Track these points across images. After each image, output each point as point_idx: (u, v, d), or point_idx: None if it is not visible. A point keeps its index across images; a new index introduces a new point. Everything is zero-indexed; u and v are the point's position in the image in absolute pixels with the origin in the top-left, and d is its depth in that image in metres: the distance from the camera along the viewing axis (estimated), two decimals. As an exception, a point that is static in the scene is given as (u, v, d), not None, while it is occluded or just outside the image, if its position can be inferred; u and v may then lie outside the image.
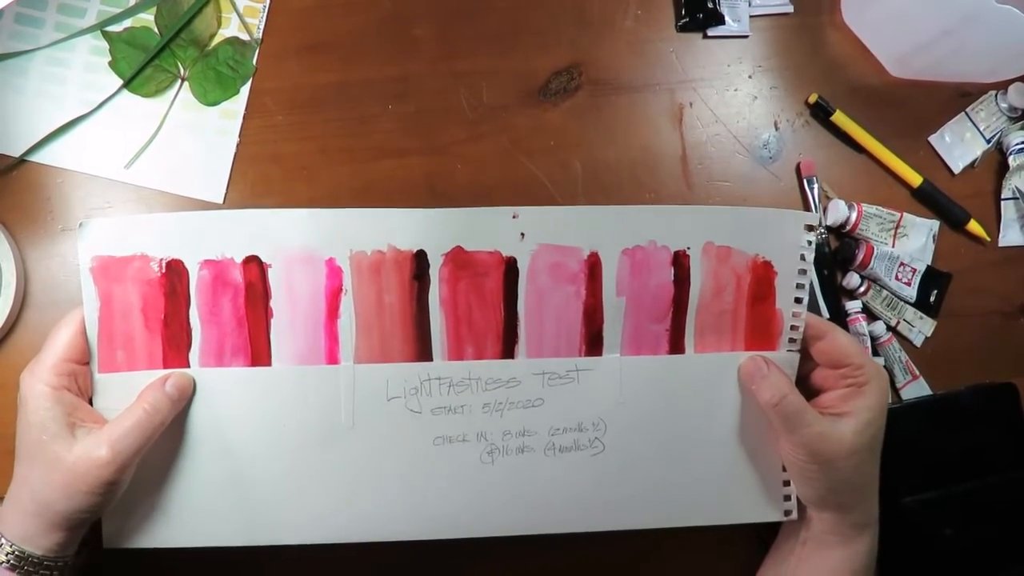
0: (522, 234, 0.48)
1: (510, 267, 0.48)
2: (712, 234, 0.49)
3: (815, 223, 0.50)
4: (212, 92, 0.53)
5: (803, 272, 0.50)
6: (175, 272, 0.46)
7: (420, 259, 0.47)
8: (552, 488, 0.48)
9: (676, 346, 0.49)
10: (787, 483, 0.50)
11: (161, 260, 0.46)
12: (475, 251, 0.48)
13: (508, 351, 0.48)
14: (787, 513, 0.50)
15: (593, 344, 0.49)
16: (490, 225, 0.48)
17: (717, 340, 0.49)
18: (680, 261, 0.49)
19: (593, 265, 0.48)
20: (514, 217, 0.48)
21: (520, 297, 0.48)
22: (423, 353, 0.48)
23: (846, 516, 0.46)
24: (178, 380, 0.45)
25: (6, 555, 0.41)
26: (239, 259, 0.46)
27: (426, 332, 0.48)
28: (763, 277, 0.49)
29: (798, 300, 0.50)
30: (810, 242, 0.49)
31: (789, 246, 0.49)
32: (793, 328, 0.50)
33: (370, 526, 0.48)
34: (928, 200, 0.58)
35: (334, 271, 0.47)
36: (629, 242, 0.48)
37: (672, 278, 0.49)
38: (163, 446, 0.46)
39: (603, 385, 0.49)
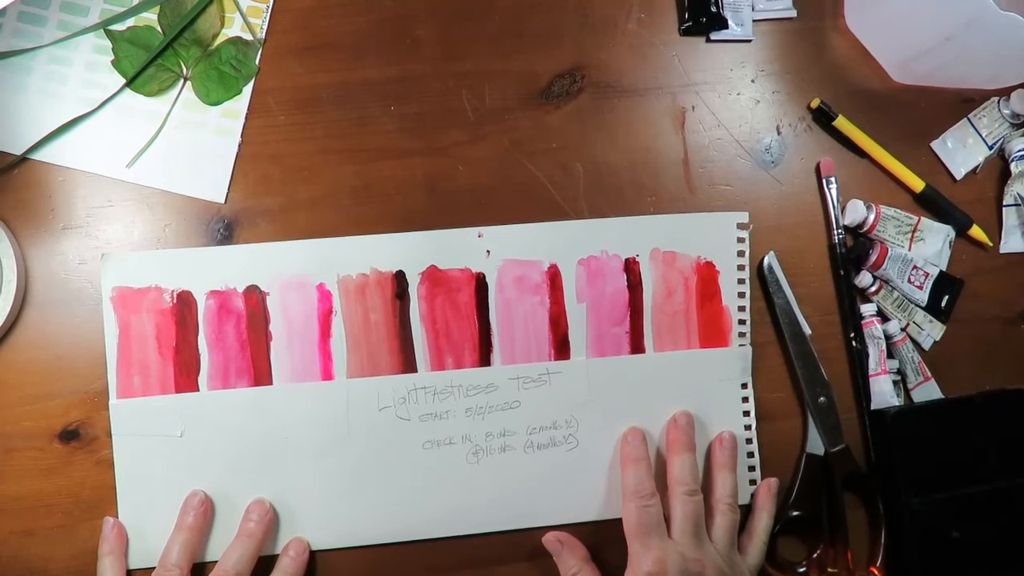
0: (488, 251, 0.52)
1: (480, 282, 0.53)
2: (657, 241, 0.54)
3: (746, 220, 0.54)
4: (214, 92, 0.53)
5: (741, 268, 0.54)
6: (185, 302, 0.51)
7: (400, 279, 0.52)
8: (533, 483, 0.52)
9: (637, 347, 0.54)
10: (752, 468, 0.54)
11: (172, 291, 0.51)
12: (448, 269, 0.52)
13: (484, 359, 0.53)
14: (753, 497, 0.54)
15: (561, 348, 0.53)
16: (458, 244, 0.52)
17: (673, 339, 0.54)
18: (631, 267, 0.54)
19: (553, 276, 0.53)
20: (479, 236, 0.52)
21: (491, 309, 0.53)
22: (408, 365, 0.52)
23: None
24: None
25: None
26: (240, 289, 0.51)
27: (409, 346, 0.52)
28: (707, 276, 0.54)
29: (741, 295, 0.54)
30: (742, 239, 0.54)
31: (726, 245, 0.54)
32: (741, 323, 0.54)
33: (368, 530, 0.50)
34: (930, 205, 0.58)
35: (324, 295, 0.52)
36: (583, 252, 0.53)
37: (625, 284, 0.54)
38: (176, 469, 0.49)
39: (572, 385, 0.53)
